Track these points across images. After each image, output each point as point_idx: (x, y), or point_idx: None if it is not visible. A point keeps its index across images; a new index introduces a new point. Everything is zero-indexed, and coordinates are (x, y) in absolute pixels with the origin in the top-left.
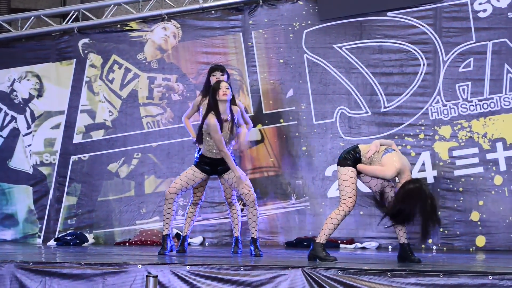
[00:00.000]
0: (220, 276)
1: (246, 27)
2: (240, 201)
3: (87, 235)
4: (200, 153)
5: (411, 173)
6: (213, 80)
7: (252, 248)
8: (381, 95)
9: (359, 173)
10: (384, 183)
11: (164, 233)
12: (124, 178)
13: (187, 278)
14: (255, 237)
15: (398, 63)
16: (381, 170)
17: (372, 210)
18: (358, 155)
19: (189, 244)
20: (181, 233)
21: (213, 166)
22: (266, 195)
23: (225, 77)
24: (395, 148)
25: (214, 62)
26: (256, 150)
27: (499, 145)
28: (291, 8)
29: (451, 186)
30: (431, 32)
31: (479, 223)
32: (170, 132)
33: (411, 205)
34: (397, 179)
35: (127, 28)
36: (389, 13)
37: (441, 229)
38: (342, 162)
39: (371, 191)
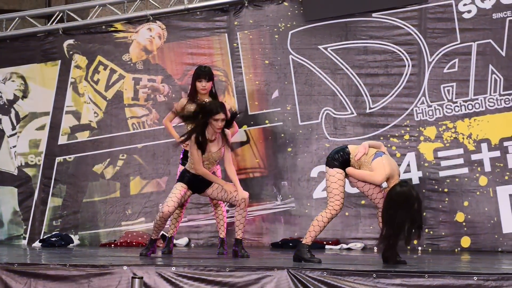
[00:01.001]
0: (205, 277)
1: (231, 28)
2: (225, 202)
3: (72, 236)
4: (185, 167)
5: (399, 176)
6: (199, 86)
7: (237, 249)
8: (366, 96)
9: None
10: (371, 185)
11: (153, 237)
12: (109, 179)
13: (172, 280)
14: (240, 238)
15: (383, 64)
16: (371, 175)
17: (358, 211)
18: (347, 156)
19: (174, 245)
20: (167, 234)
21: (194, 183)
22: (251, 196)
23: (210, 84)
24: (384, 150)
25: (199, 63)
26: (242, 151)
27: (484, 146)
28: (276, 9)
29: (436, 187)
30: (416, 33)
31: (464, 224)
32: (155, 133)
33: (399, 208)
34: (385, 184)
35: (112, 29)
36: (374, 14)
37: (426, 230)
38: (330, 163)
39: (358, 191)
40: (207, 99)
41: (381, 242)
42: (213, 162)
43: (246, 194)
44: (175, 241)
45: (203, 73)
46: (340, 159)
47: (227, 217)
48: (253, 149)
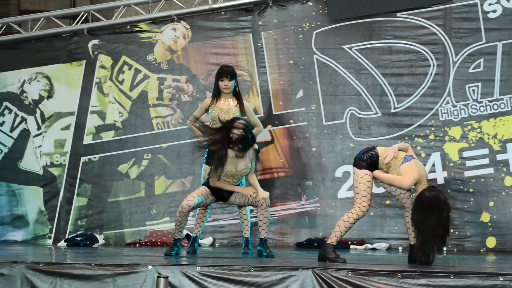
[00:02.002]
0: (230, 277)
1: (255, 28)
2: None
3: (97, 236)
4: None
5: (427, 180)
6: (221, 85)
7: (262, 248)
8: (391, 96)
9: None
10: None
11: (176, 237)
12: (134, 179)
13: (197, 279)
14: (264, 237)
15: (408, 64)
16: (399, 180)
17: (383, 211)
18: (375, 158)
19: (199, 245)
20: (192, 234)
21: (217, 191)
22: (276, 196)
23: (232, 82)
24: (412, 153)
25: (224, 63)
26: (266, 151)
27: (510, 146)
28: (300, 9)
29: (461, 187)
30: (441, 33)
31: (489, 224)
32: (180, 133)
33: (428, 214)
34: (412, 188)
35: (137, 29)
36: (398, 14)
37: (452, 230)
38: (358, 163)
39: (383, 191)
40: (230, 99)
41: (419, 251)
42: (239, 177)
43: (266, 194)
44: (199, 241)
45: (225, 72)
46: (368, 160)
47: (251, 217)
48: (277, 148)
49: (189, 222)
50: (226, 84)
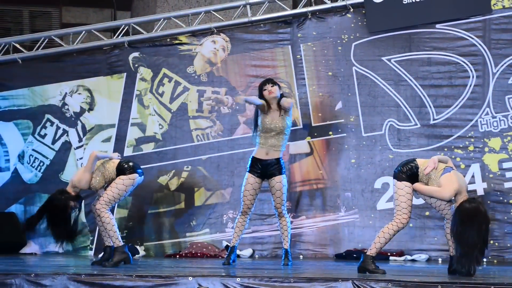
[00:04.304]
0: None
1: (294, 40)
2: (290, 213)
3: (137, 247)
4: None
5: (467, 192)
6: (265, 94)
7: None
8: (430, 107)
9: None
10: None
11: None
12: (174, 191)
13: None
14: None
15: (447, 75)
16: (439, 191)
17: (423, 222)
18: (415, 170)
19: (238, 256)
20: (230, 244)
21: None
22: (315, 207)
23: (276, 88)
24: (451, 165)
25: (263, 75)
26: (305, 163)
27: None
28: (339, 21)
29: (501, 198)
30: (480, 44)
31: None
32: (219, 144)
33: (467, 225)
34: (453, 199)
35: (177, 41)
36: (437, 25)
37: (492, 241)
38: (398, 175)
39: (423, 202)
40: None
41: (458, 262)
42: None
43: None
44: (239, 252)
45: (266, 80)
46: (408, 172)
47: (292, 228)
48: (316, 160)
49: (228, 233)
50: (270, 89)
